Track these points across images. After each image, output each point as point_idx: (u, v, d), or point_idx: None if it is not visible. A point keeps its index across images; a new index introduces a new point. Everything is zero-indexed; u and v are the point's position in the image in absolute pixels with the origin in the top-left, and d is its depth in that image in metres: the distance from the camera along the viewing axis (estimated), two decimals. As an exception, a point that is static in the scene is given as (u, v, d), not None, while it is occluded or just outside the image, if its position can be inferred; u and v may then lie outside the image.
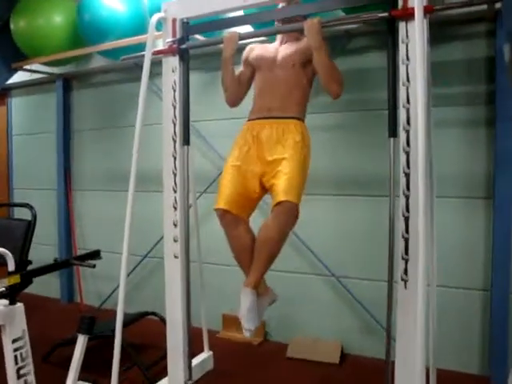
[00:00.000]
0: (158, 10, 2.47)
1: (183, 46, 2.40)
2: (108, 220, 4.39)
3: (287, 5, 2.24)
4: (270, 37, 2.56)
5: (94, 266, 2.56)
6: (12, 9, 3.90)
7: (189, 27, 2.44)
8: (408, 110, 1.87)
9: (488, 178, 2.90)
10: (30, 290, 4.61)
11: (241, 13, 2.45)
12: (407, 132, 1.87)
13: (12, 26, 3.90)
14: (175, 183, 2.45)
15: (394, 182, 1.94)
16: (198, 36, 2.77)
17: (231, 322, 3.67)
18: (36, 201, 4.85)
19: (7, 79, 4.54)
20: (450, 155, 2.95)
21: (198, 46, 2.53)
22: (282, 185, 2.07)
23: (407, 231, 1.89)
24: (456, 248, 2.98)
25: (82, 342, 2.49)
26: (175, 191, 2.45)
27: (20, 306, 2.11)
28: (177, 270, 2.47)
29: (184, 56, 2.43)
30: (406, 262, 1.90)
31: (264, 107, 2.26)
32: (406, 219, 1.89)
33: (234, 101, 2.43)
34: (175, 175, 2.44)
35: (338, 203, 3.39)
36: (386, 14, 1.89)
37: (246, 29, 2.75)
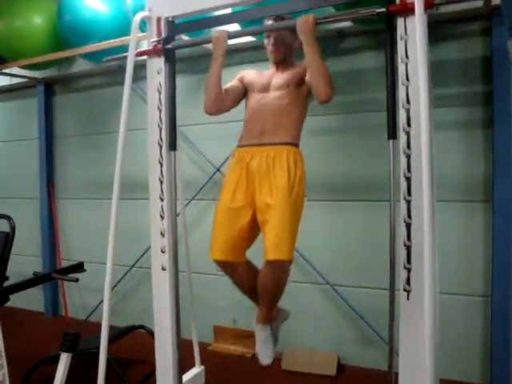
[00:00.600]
0: (143, 9, 2.36)
1: (168, 46, 2.29)
2: (94, 229, 4.24)
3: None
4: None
5: (76, 280, 2.43)
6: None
7: (174, 26, 2.33)
8: (408, 111, 1.78)
9: (486, 181, 2.83)
10: (12, 303, 4.45)
11: (229, 11, 2.34)
12: (407, 134, 1.78)
13: (-11, 28, 3.73)
14: (162, 191, 2.33)
15: (394, 186, 1.83)
16: (184, 37, 2.65)
17: (223, 333, 3.55)
18: (19, 211, 4.70)
19: (-14, 84, 4.39)
20: (447, 158, 2.86)
21: (184, 45, 2.42)
22: (271, 240, 2.00)
23: (409, 239, 1.79)
24: (454, 253, 2.89)
25: (64, 360, 2.36)
26: (162, 199, 2.33)
27: (-5, 325, 1.96)
28: (165, 283, 2.35)
29: (169, 57, 2.32)
30: (409, 271, 1.81)
31: (255, 131, 2.17)
32: (408, 226, 1.80)
33: (212, 106, 2.24)
34: (162, 182, 2.32)
35: (334, 209, 3.30)
36: (383, 10, 1.79)
37: (235, 27, 2.64)
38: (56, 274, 2.52)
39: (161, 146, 2.32)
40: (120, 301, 4.21)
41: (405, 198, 1.79)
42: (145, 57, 2.37)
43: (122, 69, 2.80)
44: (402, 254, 1.80)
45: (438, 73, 2.73)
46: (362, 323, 3.18)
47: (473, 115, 2.88)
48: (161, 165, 2.32)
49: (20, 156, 4.86)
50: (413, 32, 1.73)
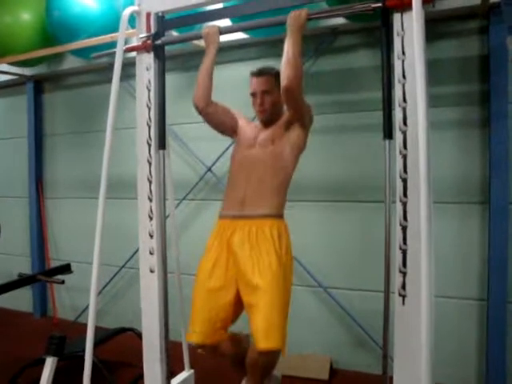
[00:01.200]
0: (133, 5, 2.29)
1: (158, 42, 2.22)
2: (83, 229, 4.15)
3: None
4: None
5: (62, 282, 2.37)
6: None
7: (164, 22, 2.27)
8: (404, 109, 1.73)
9: (483, 182, 2.78)
10: (0, 304, 4.38)
11: (220, 6, 2.27)
12: (404, 133, 1.73)
13: (-23, 24, 3.64)
14: (150, 191, 2.26)
15: (390, 187, 1.78)
16: (174, 33, 2.58)
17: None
18: (8, 210, 4.65)
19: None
20: (442, 158, 2.81)
21: (174, 41, 2.35)
22: (261, 325, 1.86)
23: (405, 242, 1.73)
24: (450, 255, 2.85)
25: (50, 364, 2.31)
26: (150, 199, 2.26)
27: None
28: (153, 285, 2.28)
29: (159, 53, 2.25)
30: (404, 275, 1.75)
31: (237, 198, 2.07)
32: (404, 229, 1.74)
33: (200, 98, 2.12)
34: (150, 182, 2.25)
35: (327, 210, 3.24)
36: (379, 5, 1.73)
37: (226, 23, 2.57)
38: (41, 275, 2.46)
39: (150, 145, 2.25)
40: (110, 302, 4.15)
41: (401, 200, 1.73)
42: (135, 53, 2.30)
43: (112, 66, 2.75)
44: (397, 257, 1.74)
45: (433, 71, 2.69)
46: (356, 326, 3.13)
47: (469, 115, 2.83)
48: (149, 164, 2.25)
49: (8, 154, 4.78)
50: (410, 28, 1.67)
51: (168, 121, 2.32)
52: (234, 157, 2.22)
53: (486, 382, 2.76)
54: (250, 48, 3.45)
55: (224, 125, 2.25)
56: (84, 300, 4.12)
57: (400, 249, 1.74)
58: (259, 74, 2.15)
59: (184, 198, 3.66)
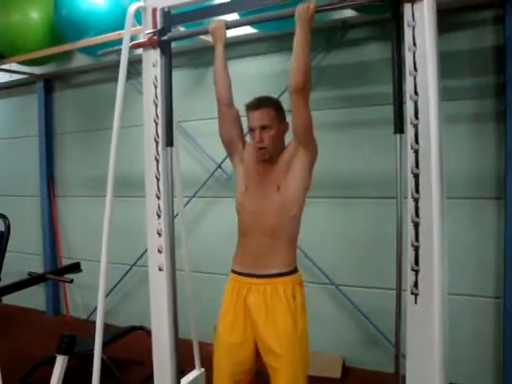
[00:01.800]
0: (139, 1, 2.26)
1: (164, 38, 2.18)
2: (94, 227, 4.10)
3: None
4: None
5: (71, 281, 2.37)
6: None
7: (171, 17, 2.22)
8: (416, 103, 1.66)
9: (498, 177, 2.72)
10: (14, 301, 4.43)
11: (227, 0, 2.23)
12: (415, 127, 1.67)
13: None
14: (158, 189, 2.22)
15: (401, 183, 1.73)
16: (181, 28, 2.55)
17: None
18: (20, 209, 4.67)
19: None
20: (456, 153, 2.75)
21: (180, 37, 2.31)
22: None
23: (417, 239, 1.68)
24: (465, 252, 2.79)
25: (61, 363, 2.31)
26: (158, 197, 2.23)
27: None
28: (162, 284, 2.25)
29: (165, 49, 2.21)
30: (417, 273, 1.69)
31: (250, 256, 2.02)
32: (416, 225, 1.68)
33: (225, 96, 2.07)
34: (158, 180, 2.22)
35: (338, 206, 3.21)
36: (389, -5, 1.68)
37: (234, 17, 2.53)
38: (51, 274, 2.46)
39: (157, 142, 2.22)
40: (121, 300, 4.16)
41: (412, 196, 1.68)
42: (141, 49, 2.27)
43: (120, 63, 2.75)
44: (409, 255, 1.69)
45: (447, 64, 2.62)
46: (368, 324, 3.09)
47: (484, 108, 2.77)
48: (157, 161, 2.22)
49: (20, 153, 4.81)
50: (421, 18, 1.62)
51: (177, 118, 2.29)
52: (242, 202, 2.08)
53: (503, 381, 2.71)
54: (258, 43, 3.41)
55: (233, 134, 2.13)
56: (96, 298, 4.06)
57: (412, 246, 1.68)
58: (256, 107, 2.01)
59: (194, 195, 3.64)
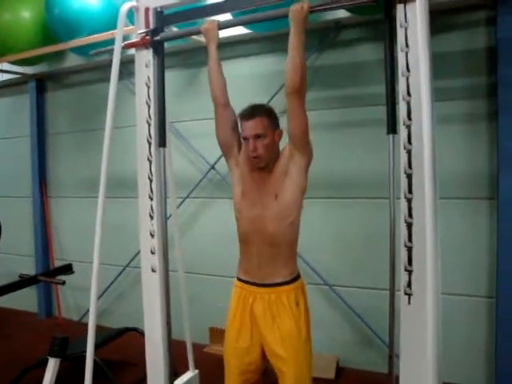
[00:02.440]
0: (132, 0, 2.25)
1: (157, 38, 2.17)
2: (87, 229, 4.09)
3: None
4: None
5: (63, 283, 2.35)
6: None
7: (163, 17, 2.22)
8: (409, 103, 1.67)
9: (491, 177, 2.73)
10: (6, 304, 4.39)
11: (221, 0, 2.22)
12: (408, 127, 1.67)
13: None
14: (151, 189, 2.22)
15: (394, 183, 1.73)
16: (173, 28, 2.54)
17: (219, 335, 3.44)
18: (12, 210, 4.64)
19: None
20: (449, 153, 2.76)
21: (173, 37, 2.30)
22: None
23: (410, 239, 1.68)
24: (457, 252, 2.80)
25: (53, 365, 2.29)
26: (151, 198, 2.22)
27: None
28: (155, 285, 2.25)
29: (158, 49, 2.21)
30: (410, 273, 1.70)
31: (253, 265, 2.04)
32: (409, 225, 1.69)
33: (221, 96, 2.05)
34: (151, 181, 2.22)
35: (332, 207, 3.21)
36: (381, -5, 1.68)
37: (227, 18, 2.53)
38: (43, 276, 2.44)
39: (150, 143, 2.22)
40: (115, 302, 4.13)
41: (405, 196, 1.68)
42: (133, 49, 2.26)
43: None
44: (402, 255, 1.69)
45: (439, 64, 2.63)
46: (362, 325, 3.10)
47: (476, 108, 2.78)
48: (150, 162, 2.22)
49: (11, 154, 4.77)
50: (413, 19, 1.62)
51: (170, 118, 2.28)
52: (240, 209, 2.07)
53: (496, 380, 2.72)
54: (250, 44, 3.41)
55: (229, 136, 2.11)
56: (88, 300, 4.07)
57: (405, 246, 1.69)
58: (250, 116, 1.98)
59: (187, 196, 3.63)
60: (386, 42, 1.75)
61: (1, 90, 4.75)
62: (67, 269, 2.49)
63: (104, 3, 3.25)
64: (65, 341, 2.30)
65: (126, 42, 2.23)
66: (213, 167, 3.53)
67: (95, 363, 2.17)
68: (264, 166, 2.00)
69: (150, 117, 2.22)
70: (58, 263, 4.36)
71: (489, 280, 2.77)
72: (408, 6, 1.66)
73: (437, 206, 1.73)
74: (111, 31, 3.09)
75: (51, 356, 2.24)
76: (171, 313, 2.26)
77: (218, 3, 2.19)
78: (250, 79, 3.43)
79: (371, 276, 3.02)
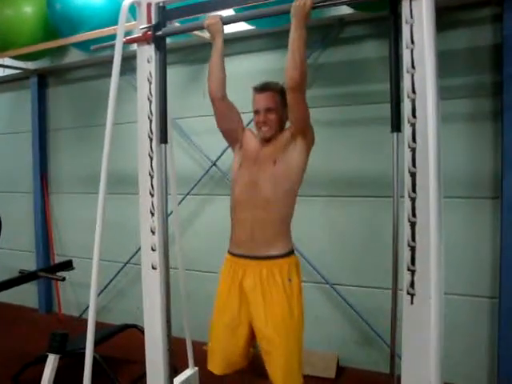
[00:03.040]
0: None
1: (159, 33, 2.15)
2: (88, 225, 4.07)
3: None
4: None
5: (63, 279, 2.34)
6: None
7: (165, 12, 2.20)
8: (413, 101, 1.65)
9: (495, 176, 2.71)
10: (6, 299, 4.39)
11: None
12: (413, 125, 1.65)
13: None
14: (152, 186, 2.20)
15: (398, 182, 1.71)
16: (176, 23, 2.51)
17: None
18: (12, 205, 4.63)
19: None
20: (453, 152, 2.73)
21: (175, 32, 2.29)
22: (280, 374, 1.95)
23: (414, 239, 1.66)
24: (461, 252, 2.78)
25: (52, 361, 2.29)
26: (152, 195, 2.20)
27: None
28: (155, 282, 2.23)
29: (160, 44, 2.18)
30: (413, 273, 1.68)
31: (244, 236, 2.03)
32: (413, 225, 1.67)
33: (217, 91, 2.06)
34: (152, 177, 2.20)
35: (334, 205, 3.18)
36: (387, -9, 1.66)
37: (230, 13, 2.50)
38: (43, 272, 2.43)
39: (151, 139, 2.20)
40: (115, 298, 4.13)
41: (409, 196, 1.66)
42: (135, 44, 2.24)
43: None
44: (405, 255, 1.67)
45: (444, 62, 2.61)
46: (363, 324, 3.08)
47: (481, 107, 2.75)
48: (151, 159, 2.20)
49: (12, 149, 4.76)
50: (419, 15, 1.60)
51: (172, 114, 2.26)
52: (236, 178, 2.11)
53: (498, 381, 2.70)
54: (253, 40, 3.39)
55: (232, 123, 2.15)
56: (89, 296, 4.09)
57: (408, 246, 1.67)
58: (262, 89, 2.04)
59: (188, 193, 3.61)
60: (391, 39, 1.73)
61: (2, 86, 4.73)
62: (68, 265, 2.48)
63: (106, -2, 3.22)
64: (64, 337, 2.29)
65: (127, 38, 2.22)
66: (214, 164, 3.52)
67: (95, 360, 2.16)
68: (270, 137, 2.05)
69: (151, 113, 2.20)
70: (58, 259, 4.35)
71: (492, 280, 2.75)
72: (414, 3, 1.64)
73: (441, 205, 1.72)
74: (113, 26, 3.07)
75: (51, 352, 2.23)
76: (171, 310, 2.24)
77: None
78: (252, 76, 3.39)
79: (372, 275, 3.00)
